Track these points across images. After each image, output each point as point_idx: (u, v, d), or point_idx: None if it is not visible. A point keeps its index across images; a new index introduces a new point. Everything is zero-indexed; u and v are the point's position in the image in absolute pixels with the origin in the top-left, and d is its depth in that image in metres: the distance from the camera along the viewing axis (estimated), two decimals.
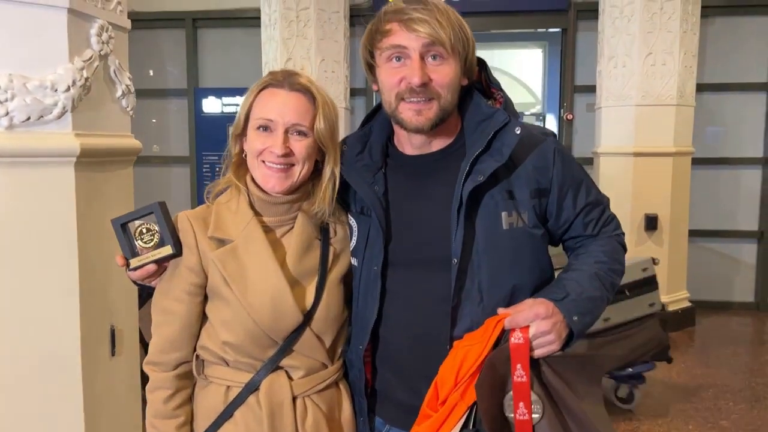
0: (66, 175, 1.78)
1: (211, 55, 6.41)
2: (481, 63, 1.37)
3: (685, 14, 4.93)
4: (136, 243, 1.32)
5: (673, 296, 5.13)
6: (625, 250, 1.41)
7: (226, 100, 6.20)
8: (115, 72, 1.97)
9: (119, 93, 2.00)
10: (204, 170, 6.08)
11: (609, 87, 5.19)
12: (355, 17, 5.85)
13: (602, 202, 1.39)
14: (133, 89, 2.07)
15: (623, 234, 1.42)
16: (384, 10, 1.30)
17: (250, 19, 5.91)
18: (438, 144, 1.35)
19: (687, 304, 5.30)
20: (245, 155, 1.39)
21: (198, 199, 6.17)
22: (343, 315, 1.40)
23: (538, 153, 1.30)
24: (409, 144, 1.36)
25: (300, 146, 1.33)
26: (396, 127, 1.37)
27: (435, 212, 1.30)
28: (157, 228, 1.31)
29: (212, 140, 6.15)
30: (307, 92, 1.34)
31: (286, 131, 1.32)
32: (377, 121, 1.43)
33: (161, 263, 1.34)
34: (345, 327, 1.42)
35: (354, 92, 5.95)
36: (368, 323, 1.34)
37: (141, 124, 5.82)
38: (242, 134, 1.39)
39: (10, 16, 1.67)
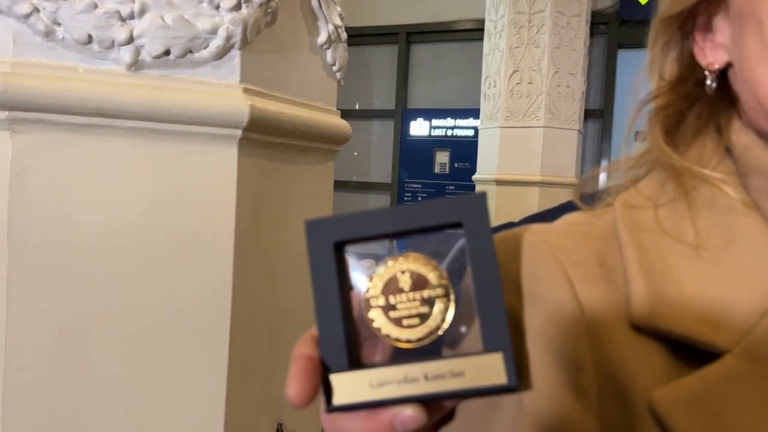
0: (224, 158, 1.01)
1: (421, 74, 5.79)
2: None
3: None
4: (368, 315, 0.32)
5: None
6: None
7: (435, 122, 5.58)
8: (320, 3, 1.19)
9: (323, 38, 1.22)
10: (405, 198, 5.45)
11: None
12: (596, 25, 4.87)
13: None
14: (344, 37, 1.28)
15: None
16: None
17: (468, 31, 5.24)
18: None
19: None
20: (712, 84, 0.48)
21: None
22: None
23: None
24: None
25: None
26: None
27: None
28: (452, 285, 0.31)
29: (417, 166, 5.64)
30: None
31: None
32: None
33: (445, 400, 0.32)
34: None
35: (588, 114, 4.89)
36: None
37: (345, 148, 5.37)
38: (690, 17, 0.49)
39: None
